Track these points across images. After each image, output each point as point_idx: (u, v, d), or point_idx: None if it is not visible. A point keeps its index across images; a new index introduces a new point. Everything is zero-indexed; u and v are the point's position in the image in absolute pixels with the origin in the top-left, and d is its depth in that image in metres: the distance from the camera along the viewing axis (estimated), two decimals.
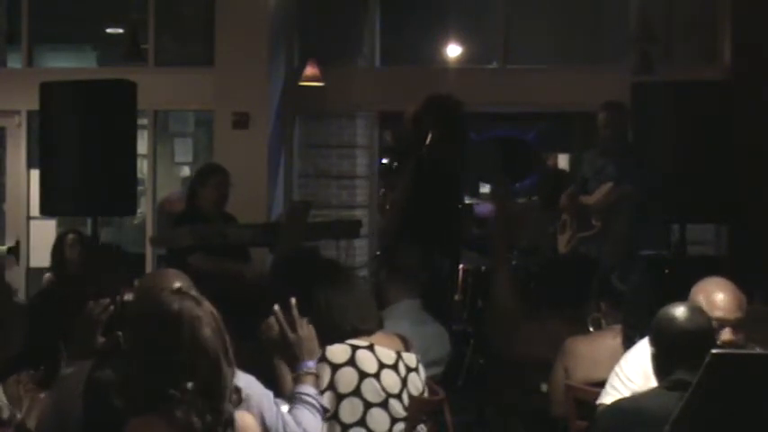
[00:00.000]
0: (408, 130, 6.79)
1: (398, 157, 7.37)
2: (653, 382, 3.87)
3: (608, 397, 4.08)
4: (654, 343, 3.64)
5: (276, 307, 3.62)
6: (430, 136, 6.58)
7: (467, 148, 7.40)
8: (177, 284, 3.06)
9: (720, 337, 3.90)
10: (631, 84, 6.37)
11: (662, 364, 3.60)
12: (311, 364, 3.57)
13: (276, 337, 3.59)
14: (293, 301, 3.60)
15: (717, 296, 4.01)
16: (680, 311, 3.59)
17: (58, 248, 7.47)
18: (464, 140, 6.93)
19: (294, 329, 3.58)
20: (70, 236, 7.52)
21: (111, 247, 6.54)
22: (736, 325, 4.01)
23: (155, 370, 2.80)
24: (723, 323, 3.96)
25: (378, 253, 7.34)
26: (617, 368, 4.17)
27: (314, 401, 3.49)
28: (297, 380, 3.56)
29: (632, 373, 4.10)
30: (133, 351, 2.90)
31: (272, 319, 3.61)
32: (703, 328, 3.56)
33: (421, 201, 6.52)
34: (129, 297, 3.64)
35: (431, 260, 6.04)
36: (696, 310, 3.64)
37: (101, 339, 3.58)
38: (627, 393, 4.00)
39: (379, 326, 4.07)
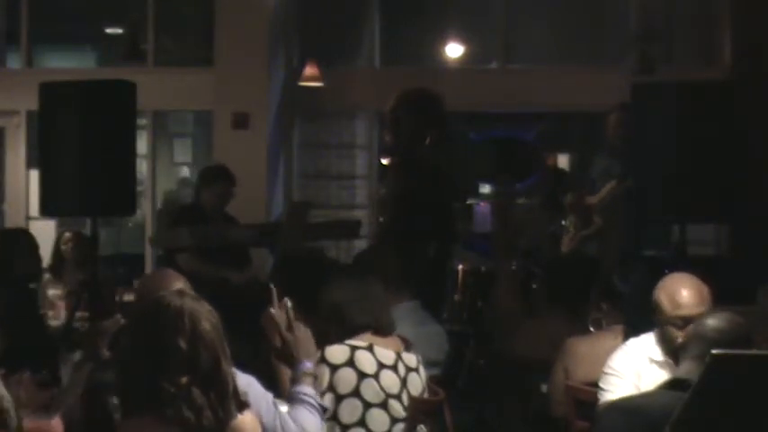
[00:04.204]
0: (388, 127, 6.69)
1: (386, 155, 7.29)
2: (644, 381, 3.94)
3: (606, 395, 4.08)
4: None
5: (281, 302, 3.62)
6: (409, 133, 6.47)
7: (459, 145, 7.31)
8: (177, 285, 3.07)
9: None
10: (632, 84, 6.36)
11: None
12: (309, 365, 3.56)
13: (274, 338, 3.59)
14: (289, 303, 3.60)
15: (679, 295, 3.98)
16: (719, 315, 3.60)
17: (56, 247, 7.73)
18: (444, 135, 6.74)
19: (291, 330, 3.57)
20: (66, 234, 7.75)
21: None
22: None
23: (156, 367, 2.80)
24: (689, 320, 3.89)
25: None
26: (606, 369, 4.16)
27: (312, 401, 3.48)
28: (295, 380, 3.55)
29: (621, 367, 4.11)
30: (134, 349, 2.90)
31: (272, 312, 3.61)
32: (724, 334, 3.51)
33: (407, 199, 6.41)
34: (128, 298, 3.65)
35: (425, 260, 6.03)
36: (733, 319, 3.58)
37: (106, 353, 3.59)
38: (625, 387, 4.00)
39: (392, 327, 4.07)
